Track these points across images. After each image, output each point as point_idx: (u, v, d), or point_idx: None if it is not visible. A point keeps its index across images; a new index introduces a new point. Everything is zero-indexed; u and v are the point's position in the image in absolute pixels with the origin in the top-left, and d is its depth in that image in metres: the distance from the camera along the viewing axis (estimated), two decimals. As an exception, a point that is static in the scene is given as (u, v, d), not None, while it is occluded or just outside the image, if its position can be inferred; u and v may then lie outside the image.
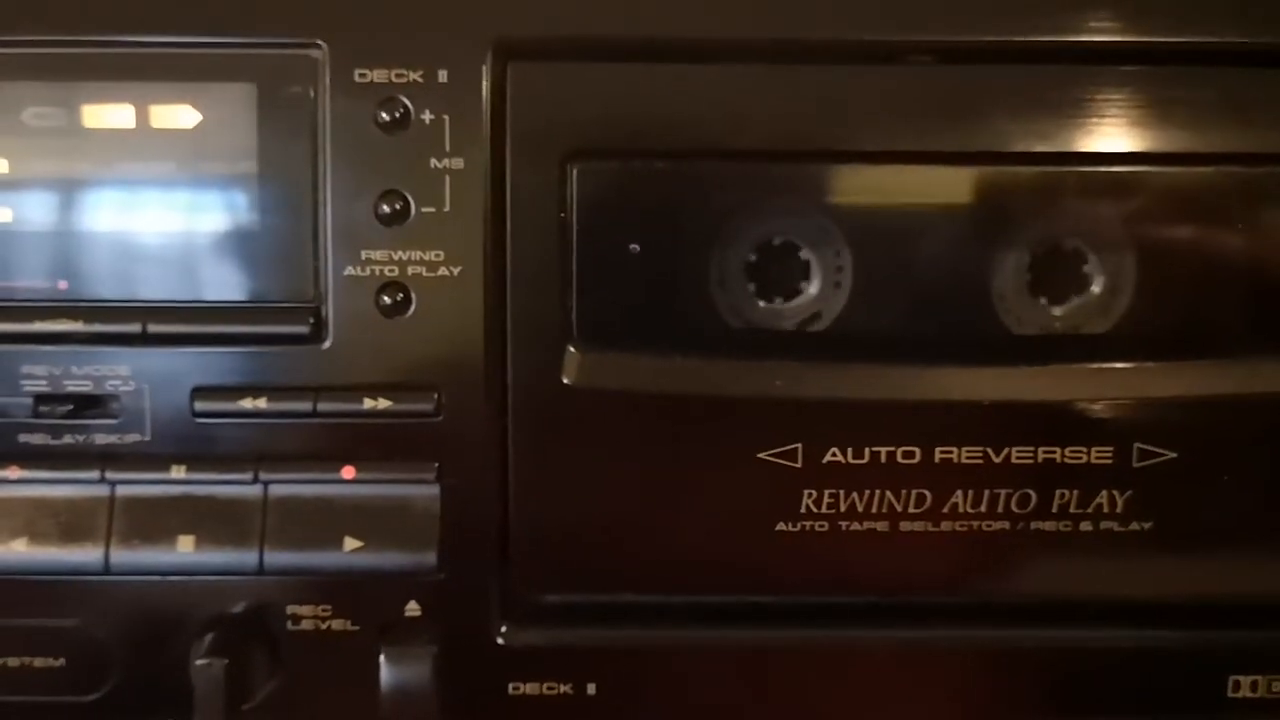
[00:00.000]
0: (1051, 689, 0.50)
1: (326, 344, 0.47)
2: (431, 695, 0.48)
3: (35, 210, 0.47)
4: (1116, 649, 0.49)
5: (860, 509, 0.47)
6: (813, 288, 0.48)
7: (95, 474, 0.48)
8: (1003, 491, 0.47)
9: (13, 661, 0.49)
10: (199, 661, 0.47)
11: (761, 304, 0.48)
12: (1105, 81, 0.46)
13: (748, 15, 0.46)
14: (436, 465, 0.47)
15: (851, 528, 0.48)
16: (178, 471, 0.47)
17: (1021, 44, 0.46)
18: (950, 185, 0.48)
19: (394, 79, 0.46)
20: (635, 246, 0.47)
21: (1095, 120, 0.47)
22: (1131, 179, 0.48)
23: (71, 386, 0.47)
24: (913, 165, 0.48)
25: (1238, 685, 0.49)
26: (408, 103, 0.46)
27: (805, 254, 0.48)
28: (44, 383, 0.47)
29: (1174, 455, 0.47)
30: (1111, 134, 0.47)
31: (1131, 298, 0.48)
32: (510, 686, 0.49)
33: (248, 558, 0.47)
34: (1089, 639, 0.49)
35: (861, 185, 0.48)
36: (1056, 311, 0.49)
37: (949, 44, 0.46)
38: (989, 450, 0.47)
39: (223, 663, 0.46)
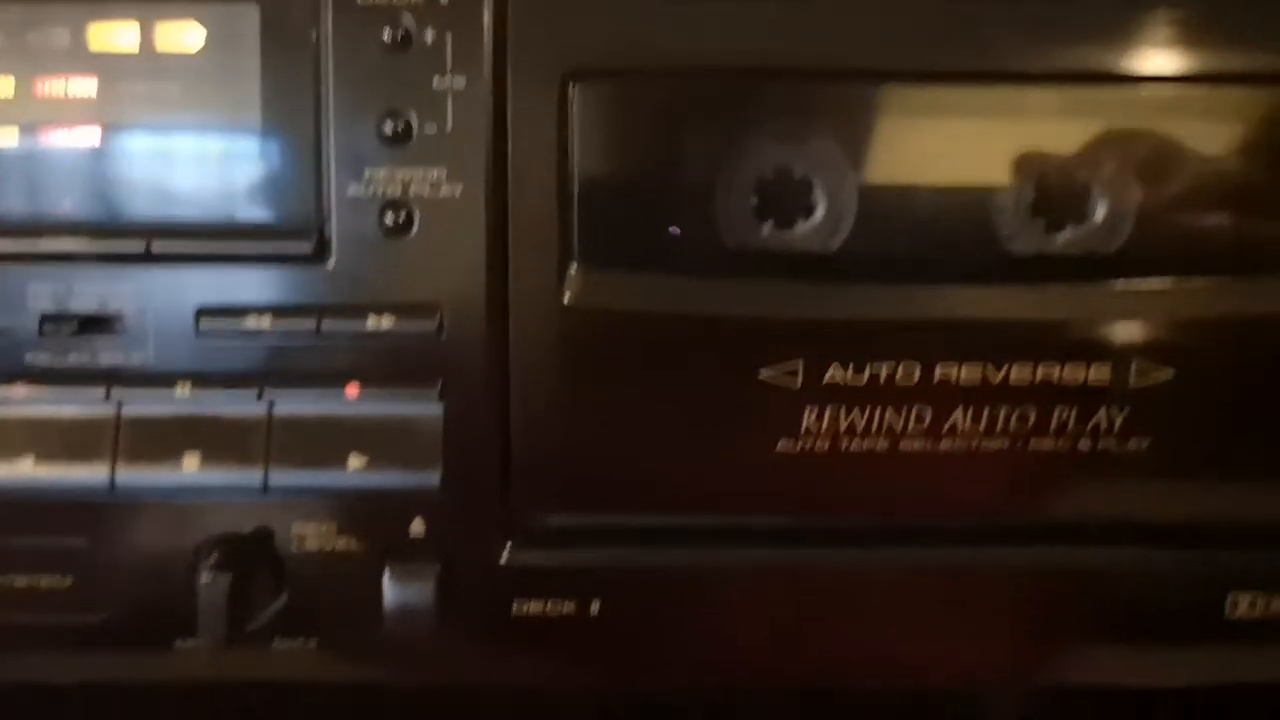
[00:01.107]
0: (1049, 609, 0.50)
1: (330, 264, 0.47)
2: (435, 614, 0.48)
3: (40, 131, 0.48)
4: (1115, 569, 0.49)
5: (860, 428, 0.48)
6: (817, 210, 0.48)
7: (100, 393, 0.48)
8: (1002, 410, 0.47)
9: (20, 581, 0.49)
10: (204, 577, 0.47)
11: (764, 225, 0.49)
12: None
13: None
14: (439, 384, 0.48)
15: (852, 447, 0.48)
16: (182, 391, 0.48)
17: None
18: (954, 106, 0.48)
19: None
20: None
21: (1097, 40, 0.47)
22: (1134, 99, 0.48)
23: (76, 306, 0.48)
24: (918, 85, 0.48)
25: (1236, 604, 0.49)
26: (410, 23, 0.46)
27: (808, 176, 0.48)
28: (49, 302, 0.48)
29: (1171, 374, 0.47)
30: (1114, 54, 0.47)
31: (1133, 221, 0.48)
32: (514, 606, 0.49)
33: (252, 477, 0.48)
34: (1087, 559, 0.49)
35: (866, 105, 0.48)
36: (1059, 234, 0.48)
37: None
38: (988, 368, 0.47)
39: (227, 578, 0.47)
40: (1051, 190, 0.48)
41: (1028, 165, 0.48)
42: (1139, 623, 0.50)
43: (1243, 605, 0.49)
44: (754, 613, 0.50)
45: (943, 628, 0.50)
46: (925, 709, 0.53)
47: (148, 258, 0.47)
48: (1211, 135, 0.48)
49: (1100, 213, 0.48)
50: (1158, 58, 0.47)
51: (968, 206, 0.48)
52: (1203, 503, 0.49)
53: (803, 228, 0.48)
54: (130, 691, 0.52)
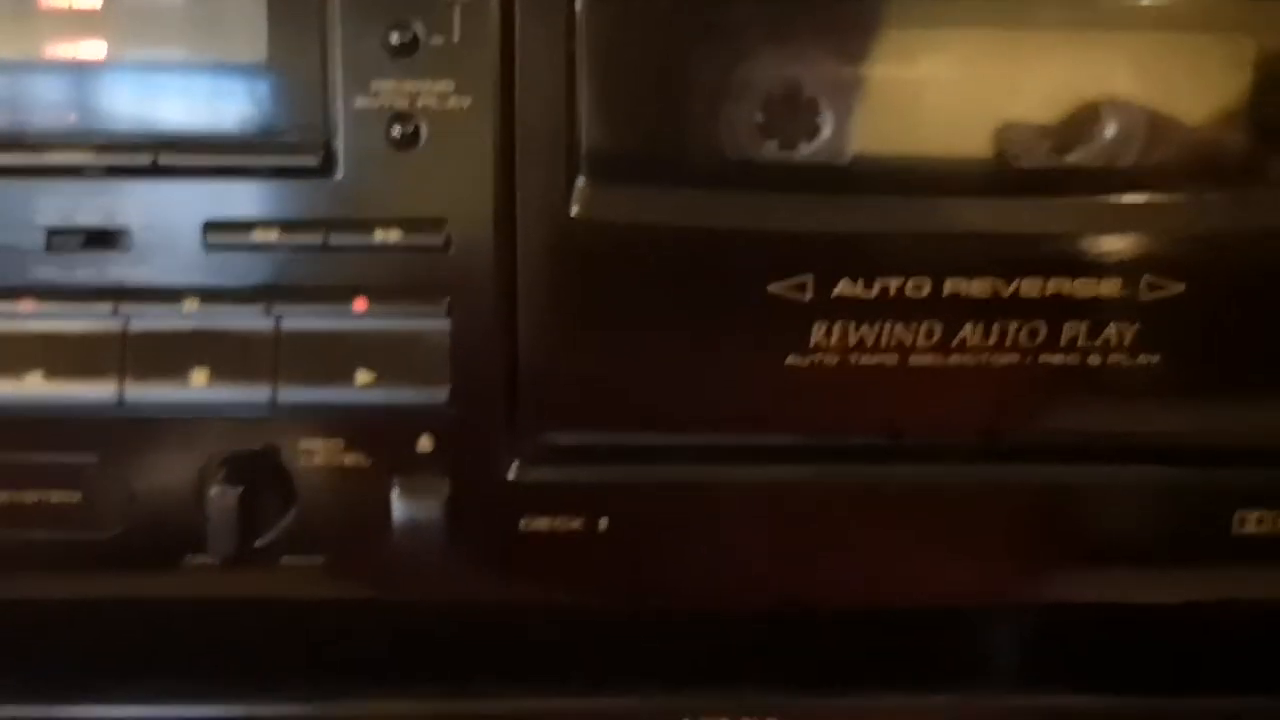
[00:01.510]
0: (1057, 526, 0.50)
1: (337, 177, 0.47)
2: (443, 530, 0.48)
3: (45, 44, 0.47)
4: (1122, 486, 0.49)
5: (870, 343, 0.48)
6: (825, 122, 0.48)
7: (108, 308, 0.48)
8: (1012, 324, 0.47)
9: (29, 496, 0.49)
10: (213, 491, 0.47)
11: (772, 139, 0.48)
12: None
13: None
14: (447, 299, 0.48)
15: (861, 362, 0.48)
16: (190, 306, 0.48)
17: None
18: (962, 19, 0.48)
19: (403, -93, 0.46)
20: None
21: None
22: (1145, 10, 0.48)
23: (83, 220, 0.47)
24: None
25: (1244, 521, 0.49)
26: (417, -69, 0.46)
27: (816, 84, 0.48)
28: (55, 216, 0.47)
29: (1182, 288, 0.47)
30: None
31: (1145, 133, 0.48)
32: (521, 522, 0.49)
33: (260, 393, 0.48)
34: (1095, 476, 0.49)
35: (874, 18, 0.48)
36: (1070, 148, 0.48)
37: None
38: (999, 283, 0.47)
39: (236, 491, 0.47)
40: (1062, 103, 0.48)
41: (1038, 78, 0.48)
42: (1146, 540, 0.50)
43: (1250, 522, 0.49)
44: (761, 531, 0.50)
45: (949, 545, 0.50)
46: (928, 629, 0.53)
47: (154, 171, 0.47)
48: (1222, 47, 0.47)
49: (1112, 126, 0.48)
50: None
51: (977, 121, 0.48)
52: (1212, 419, 0.49)
53: (812, 141, 0.48)
54: (137, 610, 0.52)
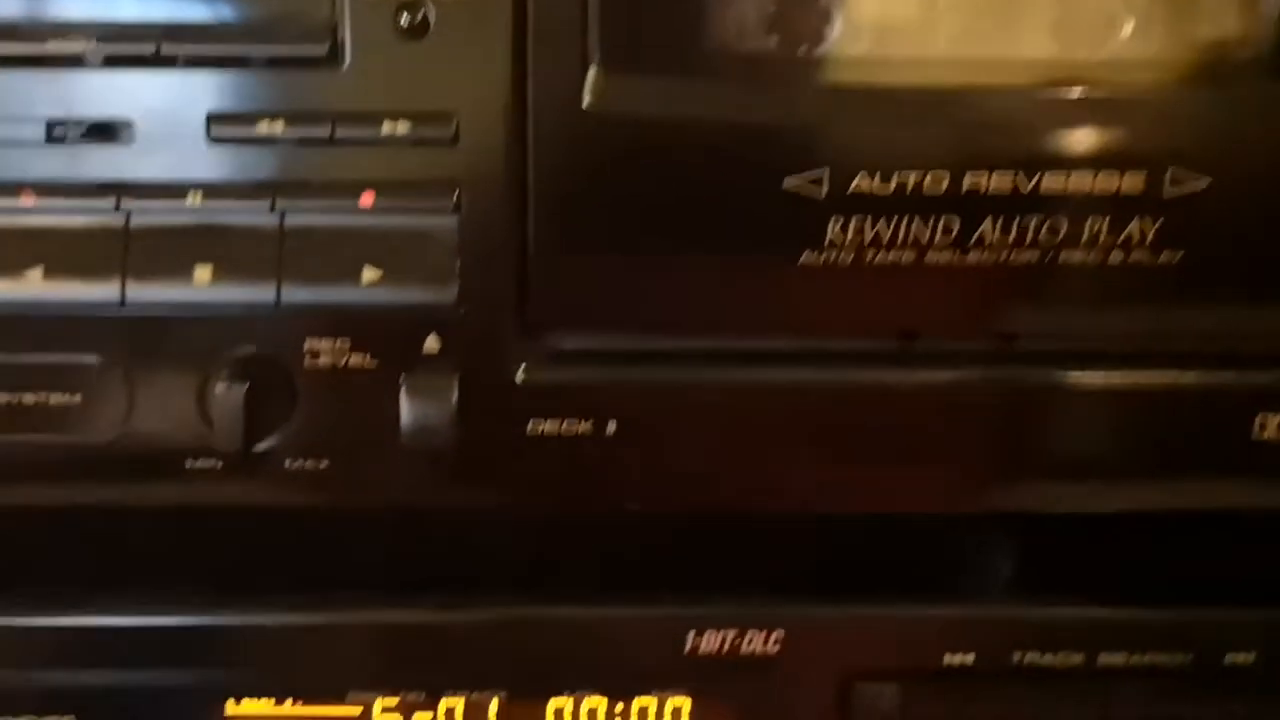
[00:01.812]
0: (1074, 432, 0.49)
1: (344, 66, 0.46)
2: (450, 433, 0.47)
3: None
4: (1142, 389, 0.49)
5: (886, 239, 0.47)
6: (840, 19, 0.47)
7: (109, 203, 0.47)
8: (1033, 219, 0.46)
9: (29, 398, 0.48)
10: (218, 388, 0.46)
11: (787, 31, 0.47)
12: None
13: None
14: (456, 194, 0.47)
15: (877, 259, 0.47)
16: (193, 200, 0.47)
17: None
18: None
19: None
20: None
21: None
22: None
23: (84, 111, 0.46)
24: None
25: (1265, 424, 0.49)
26: None
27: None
28: (56, 107, 0.46)
29: (1207, 183, 0.46)
30: None
31: (1165, 28, 0.47)
32: (529, 424, 0.49)
33: (264, 291, 0.47)
34: (1114, 379, 0.48)
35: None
36: (1090, 43, 0.47)
37: None
38: (1019, 177, 0.46)
39: (242, 388, 0.46)
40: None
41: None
42: (1165, 444, 0.49)
43: (1271, 427, 0.49)
44: (771, 435, 0.49)
45: (965, 451, 0.49)
46: (940, 537, 0.53)
47: (157, 60, 0.46)
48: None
49: (1133, 18, 0.47)
50: None
51: (995, 13, 0.47)
52: (1234, 320, 0.48)
53: (827, 34, 0.47)
54: (137, 517, 0.51)
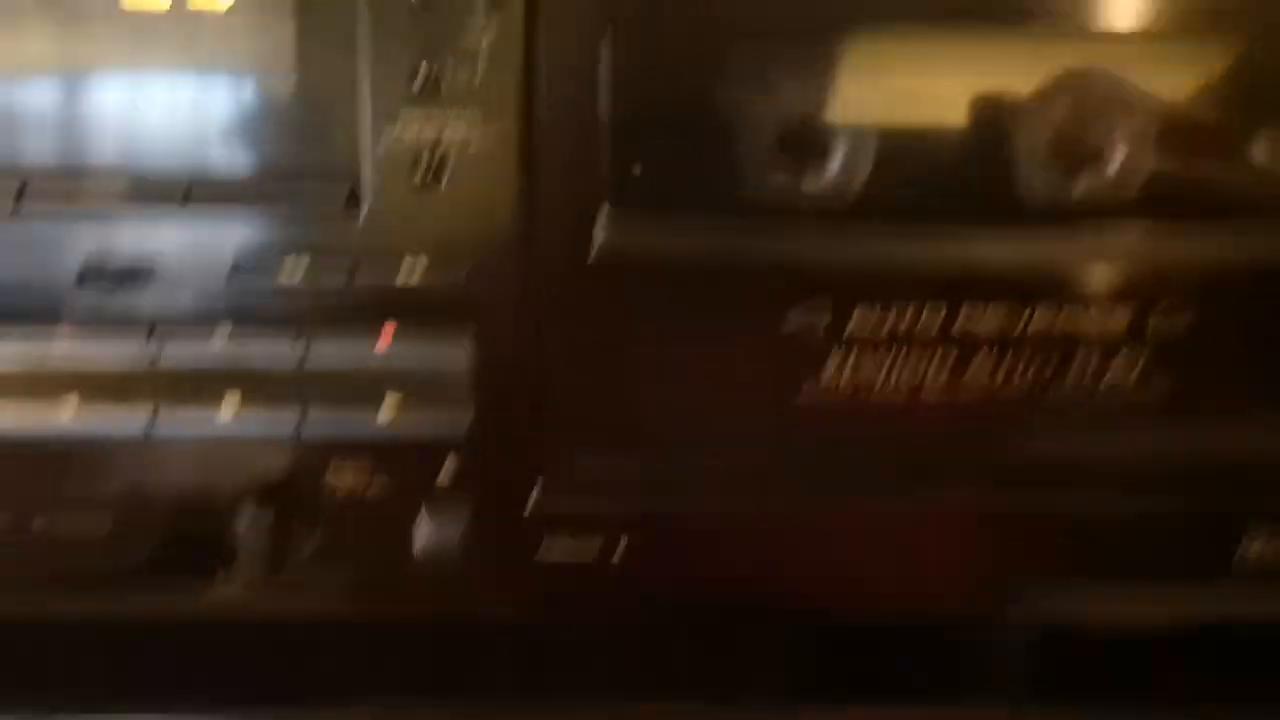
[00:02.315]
0: (1066, 552, 0.51)
1: (363, 212, 0.48)
2: (464, 556, 0.49)
3: (77, 85, 0.48)
4: (1128, 514, 0.50)
5: (884, 373, 0.49)
6: (839, 156, 0.49)
7: (140, 339, 0.49)
8: (1024, 354, 0.48)
9: (62, 523, 0.50)
10: (243, 518, 0.48)
11: (790, 169, 0.49)
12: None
13: None
14: (471, 330, 0.49)
15: (875, 392, 0.49)
16: (219, 338, 0.49)
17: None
18: (971, 53, 0.49)
19: (428, -52, 0.47)
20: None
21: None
22: (1151, 48, 0.49)
23: (115, 254, 0.49)
24: (936, 32, 0.48)
25: (1248, 549, 0.50)
26: (443, -29, 0.47)
27: (831, 120, 0.49)
28: (88, 251, 0.49)
29: (1193, 318, 0.48)
30: (1125, 9, 0.47)
31: (1152, 165, 0.49)
32: (541, 548, 0.50)
33: (288, 421, 0.49)
34: (1106, 502, 0.50)
35: (889, 52, 0.49)
36: (1078, 179, 0.49)
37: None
38: (1011, 314, 0.48)
39: (268, 517, 0.48)
40: (1070, 136, 0.49)
41: (1045, 111, 0.49)
42: (1154, 565, 0.51)
43: (1256, 546, 0.50)
44: (781, 557, 0.51)
45: (963, 566, 0.51)
46: (940, 652, 0.55)
47: (185, 206, 0.48)
48: (1226, 82, 0.49)
49: (1121, 157, 0.49)
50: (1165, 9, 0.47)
51: (989, 152, 0.49)
52: (1218, 446, 0.50)
53: (826, 172, 0.49)
54: (156, 632, 0.53)
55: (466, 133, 0.47)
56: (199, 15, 0.48)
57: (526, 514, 0.50)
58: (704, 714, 0.54)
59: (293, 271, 0.48)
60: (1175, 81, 0.49)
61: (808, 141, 0.49)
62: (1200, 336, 0.48)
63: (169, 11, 0.48)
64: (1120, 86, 0.49)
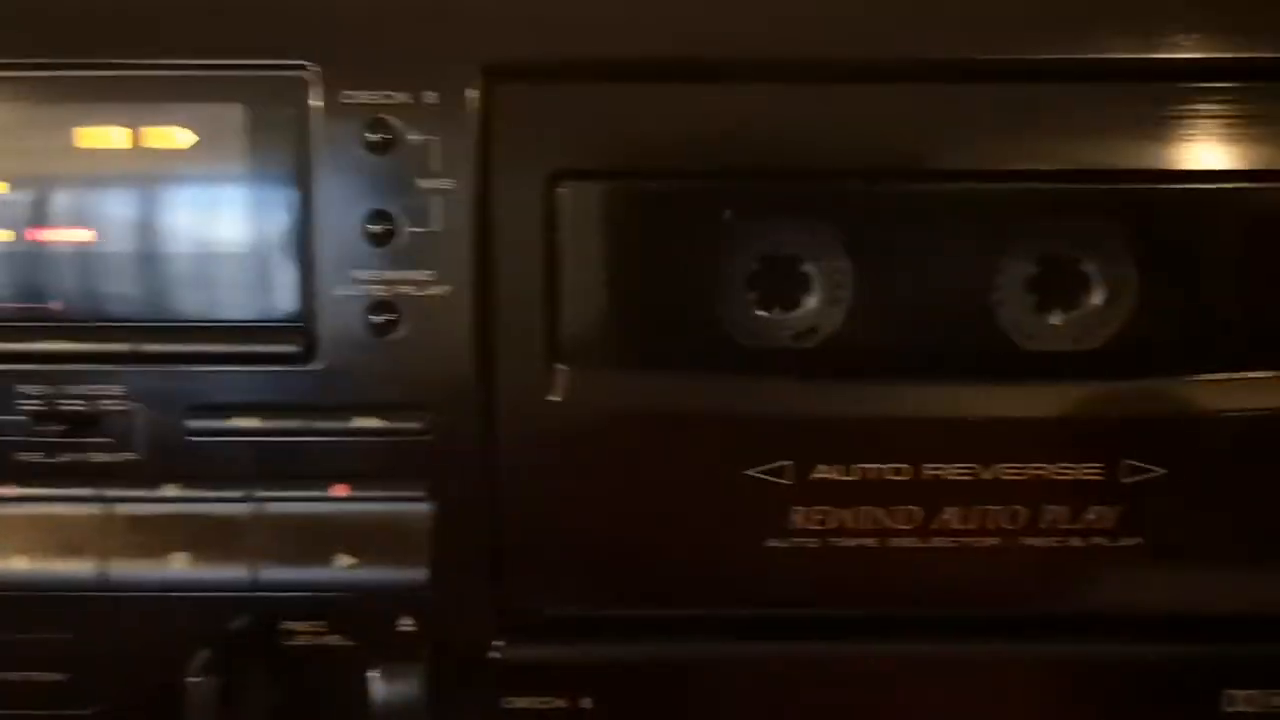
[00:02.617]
0: (1042, 704, 0.50)
1: (317, 363, 0.47)
2: (423, 710, 0.48)
3: (29, 231, 0.48)
4: (1109, 664, 0.49)
5: (850, 525, 0.48)
6: (803, 311, 0.48)
7: (90, 492, 0.48)
8: (992, 508, 0.47)
9: (14, 676, 0.49)
10: (190, 680, 0.47)
11: (758, 317, 0.48)
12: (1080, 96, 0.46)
13: (737, 34, 0.46)
14: (428, 482, 0.48)
15: (841, 544, 0.48)
16: (171, 490, 0.48)
17: (1008, 60, 0.46)
18: (950, 200, 0.48)
19: (382, 100, 0.46)
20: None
21: (1083, 136, 0.47)
22: (1132, 196, 0.48)
23: (66, 406, 0.48)
24: (908, 183, 0.48)
25: (1233, 700, 0.49)
26: (396, 124, 0.46)
27: (797, 278, 0.48)
28: (39, 402, 0.48)
29: (1163, 472, 0.47)
30: (1102, 149, 0.47)
31: (1125, 318, 0.48)
32: (503, 701, 0.49)
33: (241, 574, 0.48)
34: (1081, 654, 0.49)
35: (855, 202, 0.48)
36: (1056, 327, 0.48)
37: (947, 61, 0.46)
38: (978, 467, 0.47)
39: (213, 681, 0.47)
40: (1046, 286, 0.48)
41: (1021, 260, 0.48)
42: (1138, 714, 0.49)
43: (1239, 701, 0.49)
44: (747, 706, 0.50)
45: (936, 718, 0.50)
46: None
47: (135, 358, 0.47)
48: (1201, 232, 0.48)
49: (1094, 308, 0.48)
50: (1150, 154, 0.47)
51: (961, 303, 0.48)
52: (1196, 598, 0.48)
53: (789, 326, 0.48)
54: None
55: (421, 284, 0.47)
56: (155, 155, 0.47)
57: (489, 664, 0.49)
58: None
59: (248, 419, 0.48)
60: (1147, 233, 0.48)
61: (764, 302, 0.48)
62: (1172, 491, 0.47)
63: (127, 151, 0.47)
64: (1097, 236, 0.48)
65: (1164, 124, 0.46)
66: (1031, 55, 0.46)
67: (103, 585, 0.48)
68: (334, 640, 0.49)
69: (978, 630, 0.49)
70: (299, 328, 0.47)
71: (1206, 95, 0.46)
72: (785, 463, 0.47)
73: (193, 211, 0.48)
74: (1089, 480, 0.47)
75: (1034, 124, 0.46)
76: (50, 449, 0.48)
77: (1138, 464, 0.47)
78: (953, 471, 0.47)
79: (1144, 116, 0.46)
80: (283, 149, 0.47)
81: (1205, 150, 0.46)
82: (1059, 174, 0.47)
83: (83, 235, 0.48)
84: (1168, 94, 0.46)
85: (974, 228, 0.48)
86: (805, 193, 0.48)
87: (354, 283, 0.47)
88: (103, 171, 0.48)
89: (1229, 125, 0.46)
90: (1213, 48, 0.46)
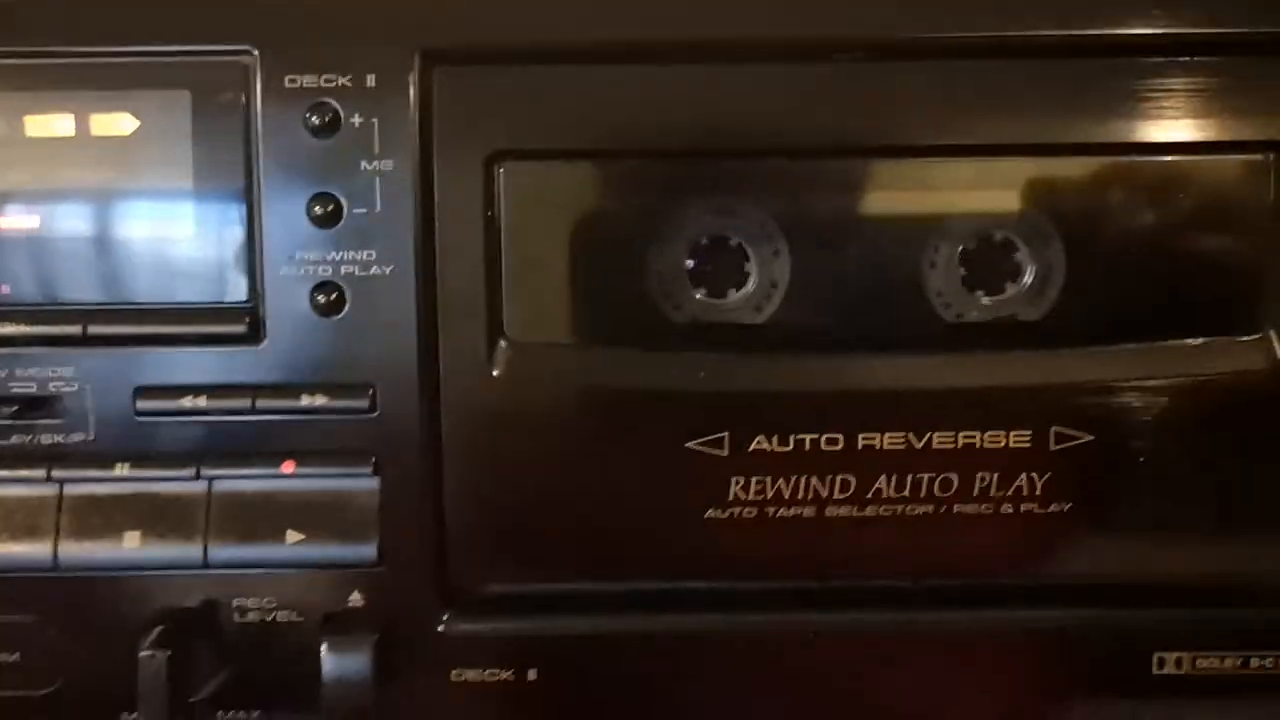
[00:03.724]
0: (974, 669, 0.51)
1: (263, 343, 0.48)
2: (371, 684, 0.49)
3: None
4: (1041, 628, 0.50)
5: (787, 495, 0.49)
6: (744, 286, 0.49)
7: (42, 473, 0.49)
8: (925, 476, 0.48)
9: (-34, 658, 0.50)
10: (143, 653, 0.48)
11: (687, 301, 0.50)
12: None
13: (669, 16, 0.47)
14: (374, 459, 0.49)
15: (779, 514, 0.49)
16: (122, 469, 0.49)
17: (945, 38, 0.47)
18: (882, 177, 0.49)
19: (323, 84, 0.47)
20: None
21: (1013, 111, 0.48)
22: (1058, 170, 0.49)
23: (16, 388, 0.49)
24: (843, 159, 0.49)
25: (1162, 662, 0.50)
26: (337, 107, 0.47)
27: (734, 250, 0.49)
28: (-11, 383, 0.49)
29: (1090, 438, 0.48)
30: (1028, 125, 0.48)
31: (1060, 287, 0.49)
32: (452, 674, 0.50)
33: (192, 552, 0.49)
34: (1013, 619, 0.50)
35: (792, 180, 0.49)
36: (982, 303, 0.50)
37: (878, 40, 0.48)
38: (911, 436, 0.48)
39: (165, 654, 0.48)
40: (975, 260, 0.49)
41: (951, 236, 0.49)
42: (1066, 681, 0.50)
43: (1169, 663, 0.50)
44: (688, 677, 0.51)
45: (871, 688, 0.51)
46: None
47: (84, 340, 0.48)
48: (1130, 204, 0.49)
49: (1023, 281, 0.49)
50: (1075, 128, 0.48)
51: (894, 278, 0.49)
52: (1125, 562, 0.50)
53: (727, 303, 0.50)
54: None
55: (365, 263, 0.48)
56: (100, 142, 0.48)
57: (437, 637, 0.50)
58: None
59: (196, 399, 0.48)
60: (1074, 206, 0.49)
61: (702, 276, 0.49)
62: (1099, 457, 0.48)
63: (73, 138, 0.48)
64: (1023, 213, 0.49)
65: (1081, 98, 0.47)
66: (960, 33, 0.47)
67: (55, 566, 0.49)
68: (284, 616, 0.50)
69: (914, 598, 0.50)
70: (246, 309, 0.48)
71: (1125, 71, 0.48)
72: (723, 435, 0.48)
73: (139, 197, 0.49)
74: (1018, 447, 0.48)
75: (959, 100, 0.48)
76: (1, 431, 0.49)
77: (1065, 431, 0.48)
78: (886, 441, 0.48)
79: (1065, 92, 0.47)
80: (228, 134, 0.48)
81: (1124, 125, 0.48)
82: (984, 148, 0.48)
83: (31, 221, 0.49)
84: (1086, 70, 0.47)
85: (904, 203, 0.49)
86: (739, 172, 0.49)
87: (300, 264, 0.48)
88: (50, 159, 0.48)
89: (1148, 100, 0.48)
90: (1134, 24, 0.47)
